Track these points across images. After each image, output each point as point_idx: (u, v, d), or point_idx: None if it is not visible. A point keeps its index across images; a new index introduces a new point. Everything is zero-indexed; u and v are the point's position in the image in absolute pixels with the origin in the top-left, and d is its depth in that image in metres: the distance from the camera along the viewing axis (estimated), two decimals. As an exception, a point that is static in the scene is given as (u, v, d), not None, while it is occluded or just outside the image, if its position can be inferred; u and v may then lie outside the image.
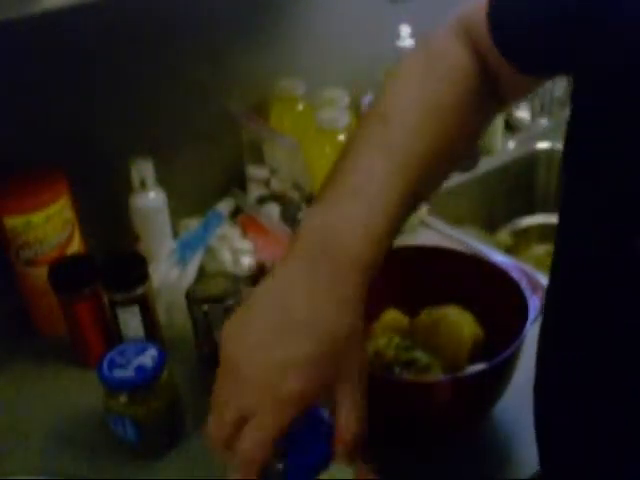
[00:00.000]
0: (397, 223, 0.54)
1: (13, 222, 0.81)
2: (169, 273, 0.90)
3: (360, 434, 0.50)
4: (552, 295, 0.58)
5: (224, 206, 1.00)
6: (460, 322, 0.72)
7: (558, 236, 0.56)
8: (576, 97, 0.51)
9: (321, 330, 0.48)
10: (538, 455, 0.62)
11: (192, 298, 0.79)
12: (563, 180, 0.54)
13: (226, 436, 0.49)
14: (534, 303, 0.70)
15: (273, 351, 0.48)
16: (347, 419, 0.49)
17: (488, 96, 0.60)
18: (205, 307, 0.78)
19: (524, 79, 0.58)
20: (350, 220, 0.51)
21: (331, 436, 0.50)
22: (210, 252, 0.95)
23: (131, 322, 0.80)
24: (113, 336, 0.81)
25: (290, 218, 0.97)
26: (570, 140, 0.52)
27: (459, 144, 0.59)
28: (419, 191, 0.56)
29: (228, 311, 0.77)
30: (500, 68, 0.57)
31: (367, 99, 1.02)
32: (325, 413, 0.52)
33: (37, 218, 0.80)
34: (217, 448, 0.50)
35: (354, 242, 0.51)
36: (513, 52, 0.56)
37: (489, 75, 0.59)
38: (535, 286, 0.72)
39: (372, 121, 0.57)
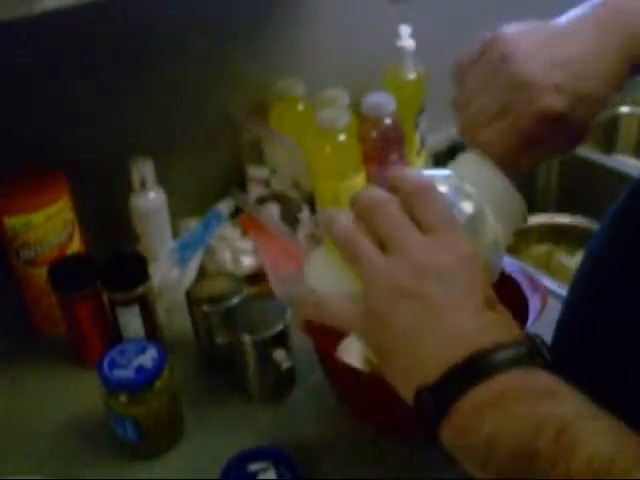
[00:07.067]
0: None
1: (13, 222, 0.81)
2: (169, 273, 0.90)
3: None
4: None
5: (224, 206, 1.00)
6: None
7: None
8: None
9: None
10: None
11: (192, 298, 0.79)
12: None
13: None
14: (534, 303, 0.70)
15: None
16: None
17: None
18: (205, 307, 0.78)
19: None
20: None
21: None
22: (210, 252, 0.94)
23: (131, 322, 0.80)
24: (113, 336, 0.81)
25: (290, 218, 0.97)
26: None
27: None
28: None
29: (228, 311, 0.77)
30: None
31: (367, 99, 1.02)
32: None
33: (37, 218, 0.80)
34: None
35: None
36: None
37: None
38: (535, 286, 0.72)
39: None
